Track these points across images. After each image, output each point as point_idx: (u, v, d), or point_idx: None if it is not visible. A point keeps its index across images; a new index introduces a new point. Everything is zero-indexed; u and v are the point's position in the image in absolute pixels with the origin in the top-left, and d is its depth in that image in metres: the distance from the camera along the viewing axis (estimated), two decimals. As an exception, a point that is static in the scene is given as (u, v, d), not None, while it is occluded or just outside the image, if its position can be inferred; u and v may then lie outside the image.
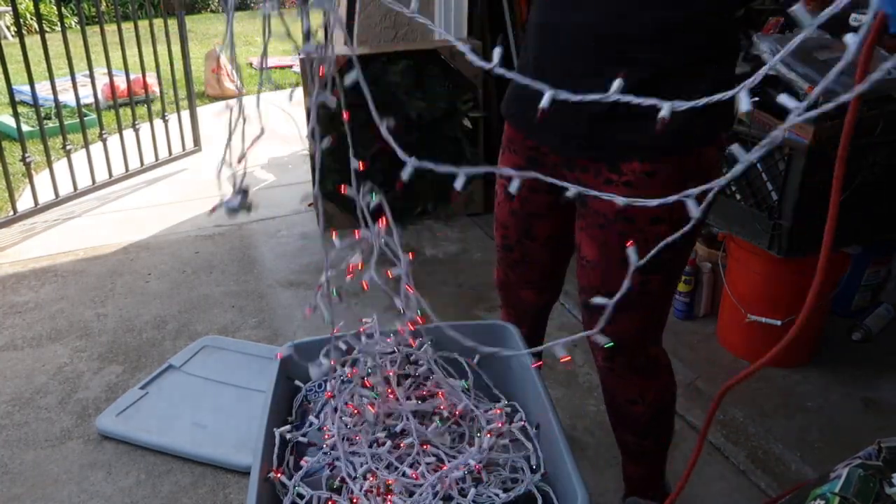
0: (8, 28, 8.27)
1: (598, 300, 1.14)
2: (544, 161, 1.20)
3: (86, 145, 3.50)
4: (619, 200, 0.79)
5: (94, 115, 4.09)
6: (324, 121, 2.97)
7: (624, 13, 0.99)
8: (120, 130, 3.70)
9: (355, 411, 1.12)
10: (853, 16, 1.97)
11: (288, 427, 1.12)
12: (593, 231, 1.14)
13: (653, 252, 0.88)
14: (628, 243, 0.94)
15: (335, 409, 1.13)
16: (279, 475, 1.01)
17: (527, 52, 1.16)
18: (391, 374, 1.19)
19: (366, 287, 1.00)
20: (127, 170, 3.73)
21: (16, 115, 3.17)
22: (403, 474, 1.01)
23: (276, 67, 7.01)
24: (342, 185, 1.06)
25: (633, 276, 1.12)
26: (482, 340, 1.27)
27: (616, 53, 1.01)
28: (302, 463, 1.05)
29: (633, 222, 1.09)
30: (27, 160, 3.14)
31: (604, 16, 1.01)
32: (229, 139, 0.94)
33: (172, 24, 3.82)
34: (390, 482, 0.99)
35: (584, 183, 1.12)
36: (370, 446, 1.06)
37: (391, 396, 1.14)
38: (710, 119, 1.05)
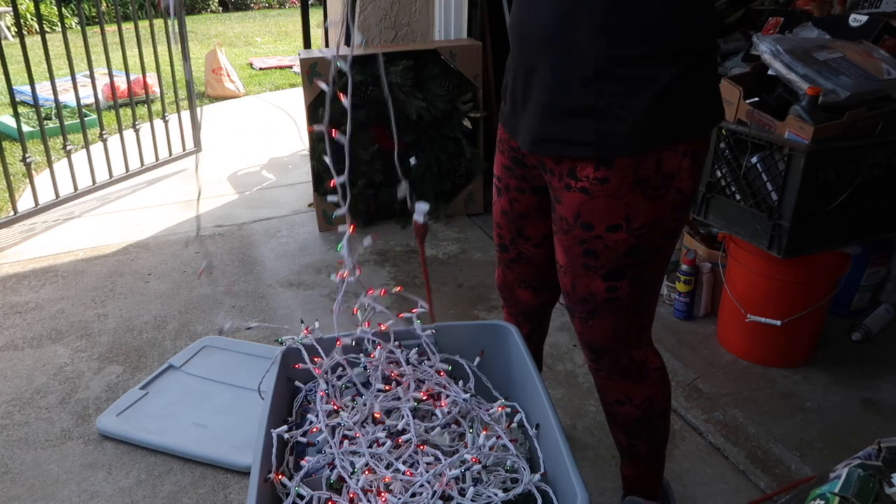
0: (8, 28, 8.27)
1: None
2: (525, 162, 1.22)
3: (86, 145, 3.50)
4: None
5: (94, 116, 4.09)
6: (322, 122, 2.94)
7: (569, 15, 0.99)
8: (120, 131, 3.71)
9: (336, 407, 1.13)
10: (853, 16, 1.97)
11: (287, 427, 1.12)
12: (561, 236, 1.15)
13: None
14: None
15: (325, 399, 1.14)
16: (279, 476, 1.01)
17: (509, 54, 1.18)
18: (393, 375, 1.20)
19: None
20: (127, 170, 3.73)
21: (16, 115, 3.17)
22: (399, 472, 1.01)
23: (276, 67, 7.02)
24: (331, 181, 1.07)
25: (597, 283, 1.13)
26: (482, 340, 1.28)
27: (563, 51, 1.01)
28: (302, 463, 1.05)
29: (591, 229, 1.08)
30: (27, 160, 3.14)
31: (549, 15, 1.02)
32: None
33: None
34: (387, 479, 0.99)
35: (553, 187, 1.13)
36: (370, 446, 1.07)
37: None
38: (668, 119, 1.01)
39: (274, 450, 1.05)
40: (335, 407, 1.13)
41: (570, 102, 1.03)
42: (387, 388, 1.17)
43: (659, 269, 1.17)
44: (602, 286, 1.13)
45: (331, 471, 1.04)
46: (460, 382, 1.21)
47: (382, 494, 0.97)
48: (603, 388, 1.32)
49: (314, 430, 1.10)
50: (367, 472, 1.01)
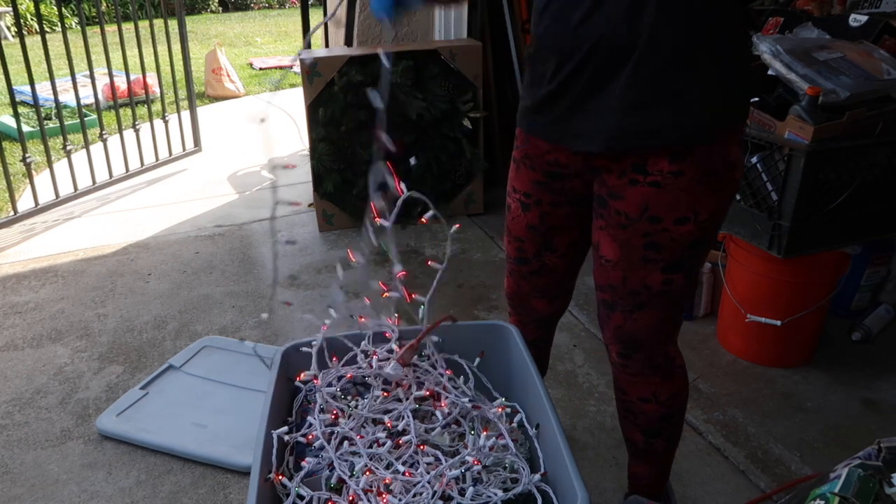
0: (8, 28, 8.27)
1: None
2: (565, 173, 1.19)
3: (86, 145, 3.50)
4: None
5: (94, 116, 4.09)
6: (322, 122, 2.99)
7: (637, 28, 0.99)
8: (120, 131, 3.71)
9: (335, 416, 1.12)
10: (853, 16, 1.97)
11: (287, 428, 1.12)
12: (614, 231, 1.13)
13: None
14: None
15: (321, 410, 1.14)
16: (279, 477, 1.01)
17: (544, 62, 1.11)
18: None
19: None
20: (127, 170, 3.74)
21: (16, 115, 3.17)
22: (399, 472, 1.01)
23: (276, 68, 7.02)
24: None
25: (655, 276, 1.13)
26: (482, 340, 1.28)
27: (637, 44, 0.99)
28: (302, 464, 1.05)
29: (658, 222, 1.08)
30: (27, 160, 3.15)
31: (613, 10, 1.00)
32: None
33: (172, 24, 3.82)
34: (387, 480, 0.99)
35: (608, 184, 1.12)
36: (370, 447, 1.06)
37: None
38: (732, 106, 1.05)
39: (274, 450, 1.05)
40: (333, 416, 1.13)
41: (648, 92, 1.02)
42: (385, 394, 1.17)
43: (704, 262, 1.21)
44: (659, 278, 1.13)
45: (331, 471, 1.04)
46: (461, 378, 1.21)
47: (383, 495, 0.97)
48: (627, 386, 1.30)
49: (310, 437, 1.09)
50: (367, 473, 1.01)
